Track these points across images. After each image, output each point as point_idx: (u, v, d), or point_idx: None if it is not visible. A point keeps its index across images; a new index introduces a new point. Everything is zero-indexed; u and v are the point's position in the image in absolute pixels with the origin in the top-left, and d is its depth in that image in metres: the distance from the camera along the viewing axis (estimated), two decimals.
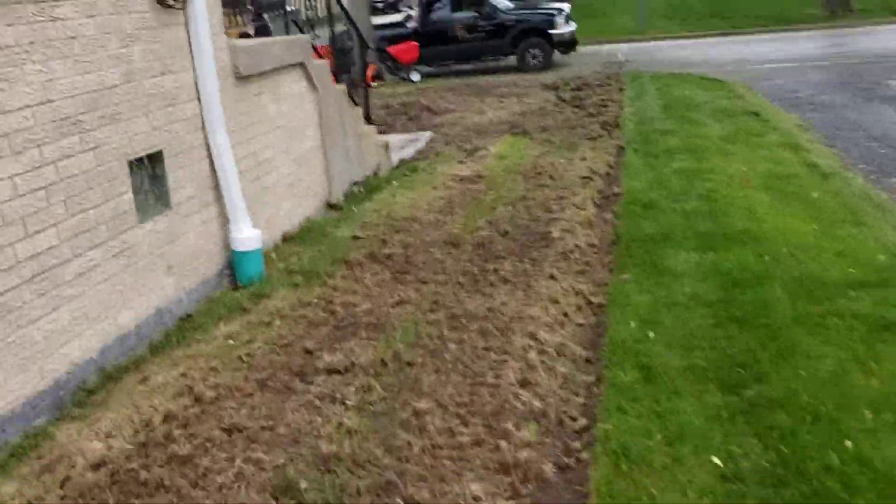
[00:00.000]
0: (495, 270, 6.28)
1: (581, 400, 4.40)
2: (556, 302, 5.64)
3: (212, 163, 6.16)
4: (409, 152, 10.60)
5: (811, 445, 3.72)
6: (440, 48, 21.04)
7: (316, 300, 5.92)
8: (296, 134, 7.57)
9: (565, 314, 5.47)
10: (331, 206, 8.22)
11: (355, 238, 7.20)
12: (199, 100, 6.04)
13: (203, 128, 6.09)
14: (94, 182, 5.00)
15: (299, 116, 7.64)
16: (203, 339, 5.45)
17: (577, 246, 6.66)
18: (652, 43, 24.48)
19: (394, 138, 11.23)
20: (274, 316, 5.67)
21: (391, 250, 6.84)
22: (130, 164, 5.35)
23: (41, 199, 4.58)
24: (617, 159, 9.88)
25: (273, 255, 6.84)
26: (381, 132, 11.89)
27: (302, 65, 7.67)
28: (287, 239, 7.26)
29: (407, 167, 9.87)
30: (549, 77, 17.97)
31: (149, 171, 5.61)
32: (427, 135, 11.54)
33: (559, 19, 20.71)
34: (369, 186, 9.03)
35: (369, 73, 18.75)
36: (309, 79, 7.81)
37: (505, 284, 6.04)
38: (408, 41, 20.25)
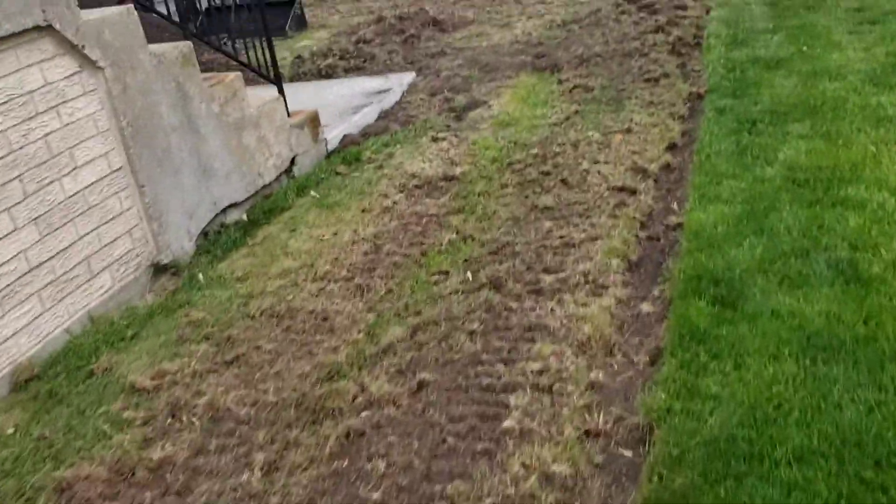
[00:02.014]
0: None
1: None
2: None
3: None
4: (366, 117, 6.56)
5: None
6: None
7: None
8: (43, 168, 3.77)
9: None
10: (163, 270, 4.46)
11: (132, 392, 3.45)
12: None
13: None
14: None
15: (51, 131, 3.81)
16: None
17: (548, 477, 2.73)
18: None
19: (348, 91, 7.13)
20: None
21: (170, 448, 3.08)
22: None
23: None
24: (686, 128, 5.63)
25: None
26: (351, 69, 7.89)
27: (50, 29, 3.77)
28: (19, 385, 3.60)
29: (347, 154, 5.89)
30: None
31: None
32: (407, 79, 7.40)
33: None
34: (262, 208, 5.18)
35: None
36: (76, 53, 3.92)
37: None
38: None
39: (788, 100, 5.71)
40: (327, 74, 7.95)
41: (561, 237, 4.30)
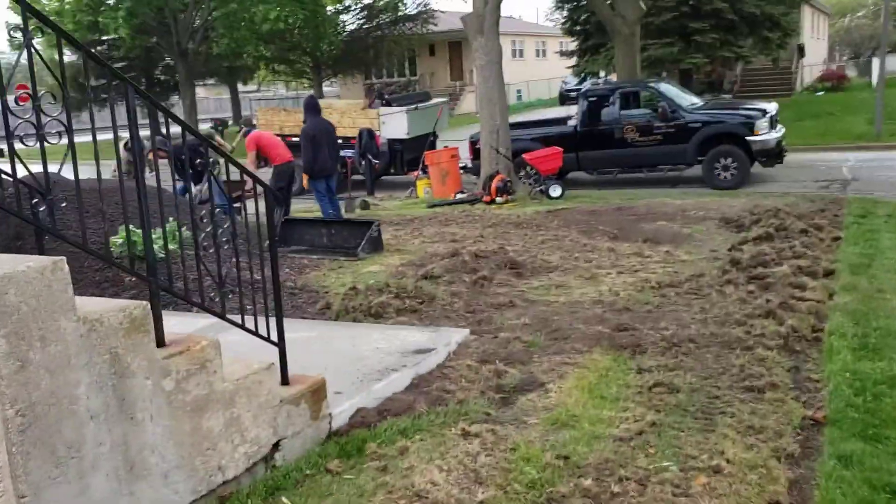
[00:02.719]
0: None
1: None
2: None
3: None
4: (392, 385, 5.30)
5: None
6: (605, 153, 15.83)
7: None
8: None
9: None
10: None
11: None
12: None
13: None
14: None
15: None
16: None
17: None
18: (893, 153, 17.64)
19: (385, 344, 5.92)
20: None
21: None
22: None
23: None
24: (796, 477, 4.07)
25: None
26: (404, 310, 6.79)
27: None
28: None
29: (350, 441, 4.60)
30: (736, 203, 12.10)
31: None
32: (457, 337, 6.18)
33: (761, 122, 14.79)
34: None
35: (495, 183, 13.81)
36: None
37: None
38: (551, 146, 15.02)
39: None
40: (376, 314, 6.86)
41: None
